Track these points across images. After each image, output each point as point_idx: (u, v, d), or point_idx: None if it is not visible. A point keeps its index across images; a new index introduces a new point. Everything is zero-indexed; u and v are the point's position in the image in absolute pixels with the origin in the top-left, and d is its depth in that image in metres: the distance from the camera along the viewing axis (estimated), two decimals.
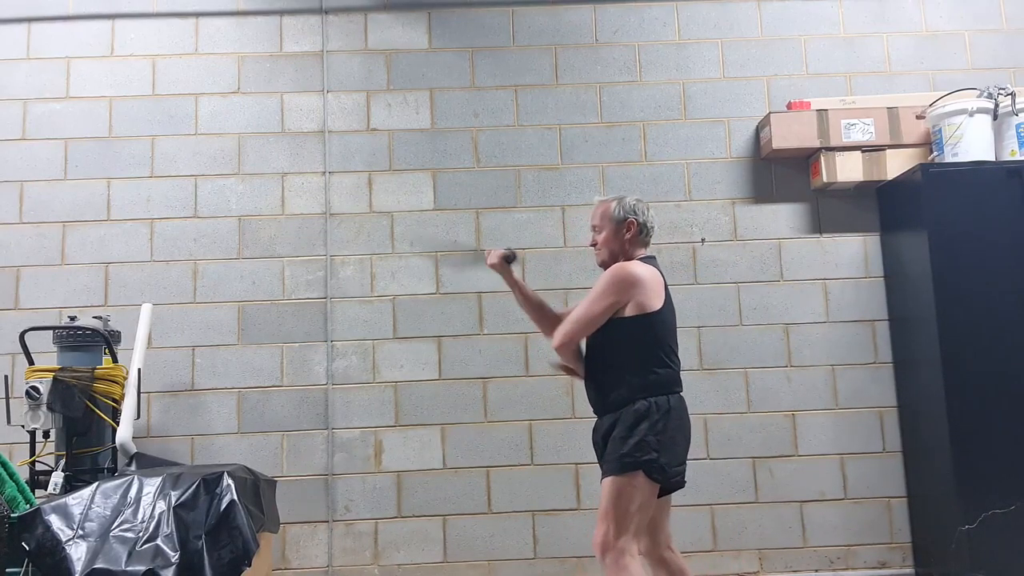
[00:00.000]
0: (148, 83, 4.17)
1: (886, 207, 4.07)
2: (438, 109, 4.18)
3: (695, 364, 4.02)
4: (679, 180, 4.15)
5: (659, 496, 2.77)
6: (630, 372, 2.74)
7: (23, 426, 3.42)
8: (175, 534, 2.87)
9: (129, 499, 2.98)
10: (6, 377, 3.61)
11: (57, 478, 3.36)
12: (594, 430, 2.89)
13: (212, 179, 4.12)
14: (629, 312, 2.73)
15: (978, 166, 3.71)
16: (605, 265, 2.89)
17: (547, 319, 3.00)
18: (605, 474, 2.74)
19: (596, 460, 2.88)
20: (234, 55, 4.20)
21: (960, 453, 3.52)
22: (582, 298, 4.07)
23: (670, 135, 4.18)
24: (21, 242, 4.05)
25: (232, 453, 3.92)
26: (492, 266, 2.99)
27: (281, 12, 4.23)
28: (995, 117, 3.78)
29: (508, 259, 3.00)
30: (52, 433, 3.50)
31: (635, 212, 2.87)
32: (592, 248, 2.98)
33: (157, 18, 4.20)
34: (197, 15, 4.21)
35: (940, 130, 3.80)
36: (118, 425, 3.49)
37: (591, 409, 2.91)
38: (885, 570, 3.91)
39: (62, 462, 3.44)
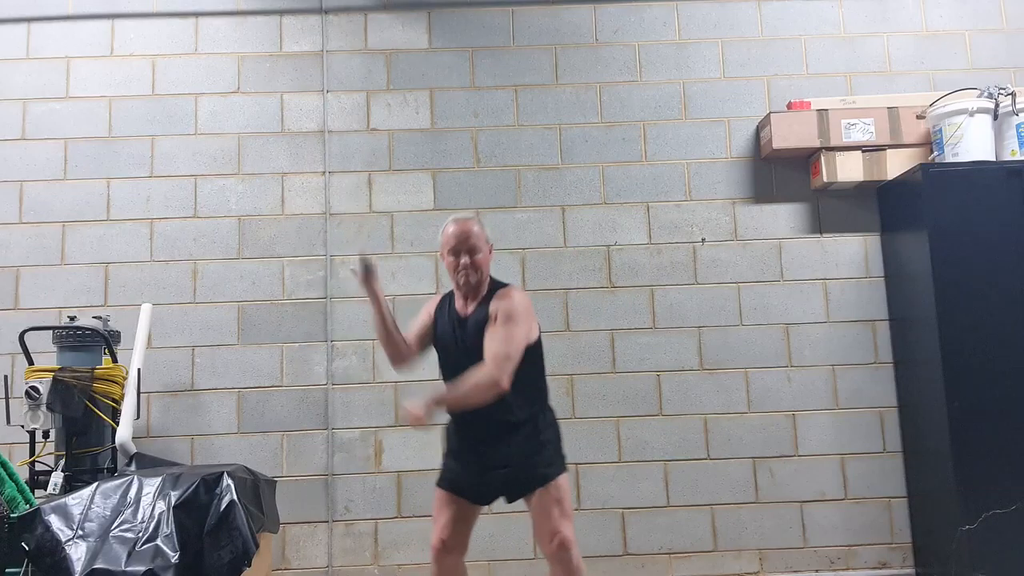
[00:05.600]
0: (148, 83, 4.17)
1: (886, 207, 4.07)
2: (438, 109, 4.18)
3: (695, 364, 4.02)
4: (679, 180, 4.15)
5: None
6: (540, 384, 2.88)
7: (23, 426, 3.43)
8: (175, 534, 2.87)
9: (129, 499, 2.98)
10: (6, 377, 3.61)
11: (57, 478, 3.36)
12: (489, 442, 2.77)
13: (212, 179, 4.11)
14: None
15: (978, 166, 3.71)
16: (479, 286, 2.80)
17: (395, 341, 2.88)
18: (553, 476, 2.76)
19: (528, 469, 2.75)
20: (234, 55, 4.20)
21: (960, 453, 3.52)
22: (575, 303, 4.06)
23: (670, 135, 4.18)
24: (21, 242, 4.05)
25: (232, 453, 3.92)
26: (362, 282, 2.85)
27: (281, 12, 4.23)
28: (995, 117, 3.77)
29: (368, 268, 2.81)
30: (52, 433, 3.50)
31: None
32: (463, 270, 2.78)
33: (157, 18, 4.20)
34: (197, 15, 4.21)
35: (940, 130, 3.80)
36: (118, 425, 3.49)
37: (478, 424, 2.77)
38: (885, 570, 3.91)
39: (62, 462, 3.44)
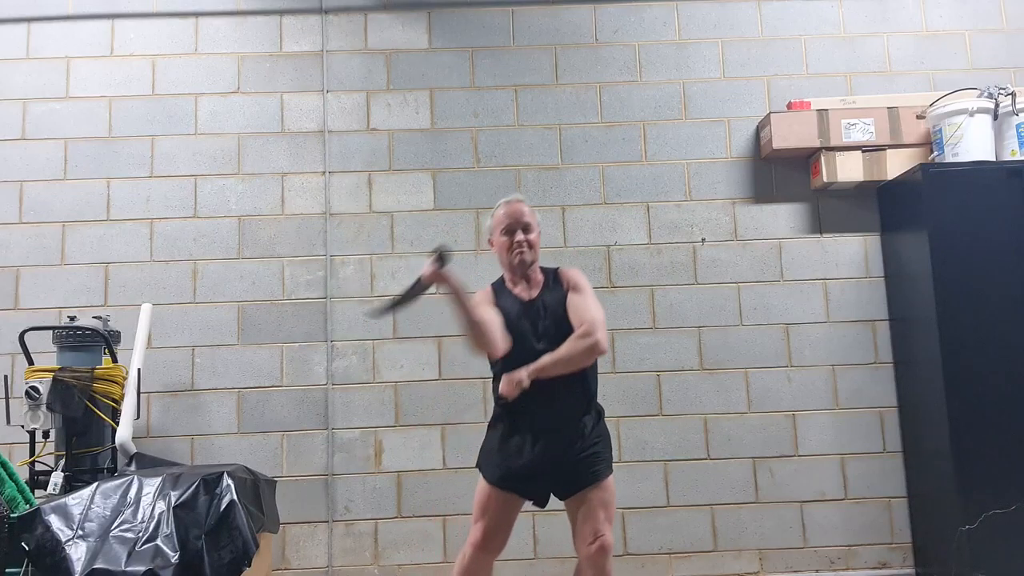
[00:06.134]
0: (148, 83, 4.17)
1: (886, 207, 4.07)
2: (438, 109, 4.18)
3: (695, 364, 4.02)
4: (679, 180, 4.15)
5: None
6: (595, 375, 2.85)
7: (23, 426, 3.42)
8: (175, 534, 2.87)
9: (129, 499, 2.98)
10: (6, 377, 3.61)
11: (57, 478, 3.36)
12: (560, 435, 2.74)
13: (212, 179, 4.11)
14: None
15: (978, 166, 3.71)
16: (534, 267, 2.85)
17: (488, 329, 2.66)
18: (603, 474, 2.74)
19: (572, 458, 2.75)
20: (234, 55, 4.20)
21: (960, 453, 3.52)
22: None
23: (670, 135, 4.18)
24: (21, 242, 4.05)
25: (232, 453, 3.92)
26: (429, 277, 2.60)
27: (281, 12, 4.23)
28: (995, 117, 3.77)
29: (442, 259, 2.57)
30: (52, 433, 3.50)
31: None
32: (518, 248, 2.80)
33: (157, 18, 4.20)
34: (197, 15, 4.21)
35: (940, 130, 3.80)
36: (118, 425, 3.49)
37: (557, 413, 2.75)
38: (885, 570, 3.91)
39: (62, 462, 3.44)
